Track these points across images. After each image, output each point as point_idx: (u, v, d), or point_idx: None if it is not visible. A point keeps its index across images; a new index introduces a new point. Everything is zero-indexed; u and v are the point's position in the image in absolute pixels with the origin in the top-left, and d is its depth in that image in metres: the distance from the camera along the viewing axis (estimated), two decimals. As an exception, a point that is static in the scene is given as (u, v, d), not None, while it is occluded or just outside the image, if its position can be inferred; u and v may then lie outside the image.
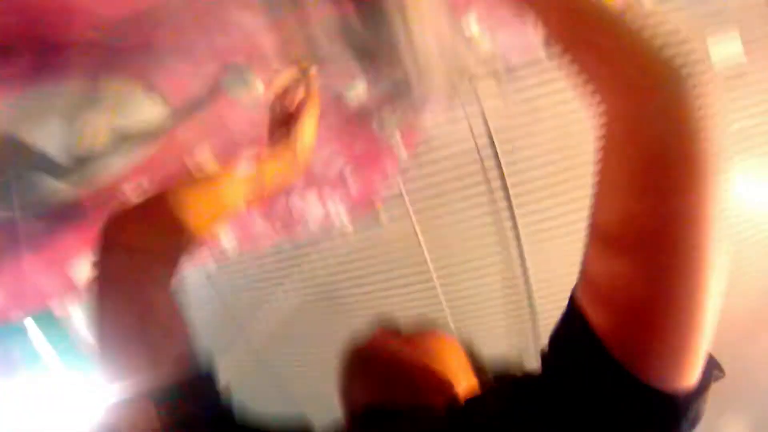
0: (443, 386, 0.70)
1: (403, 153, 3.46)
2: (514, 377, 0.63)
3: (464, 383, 0.74)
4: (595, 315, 0.50)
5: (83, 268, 1.49)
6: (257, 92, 0.94)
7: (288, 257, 3.97)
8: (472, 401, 0.63)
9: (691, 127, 0.46)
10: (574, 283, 0.58)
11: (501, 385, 0.65)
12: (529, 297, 4.22)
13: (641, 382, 0.45)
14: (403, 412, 0.64)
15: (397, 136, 3.08)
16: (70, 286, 1.48)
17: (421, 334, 0.78)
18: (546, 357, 0.58)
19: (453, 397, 0.69)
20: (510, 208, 3.84)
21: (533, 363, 0.62)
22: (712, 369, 0.50)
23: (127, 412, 0.60)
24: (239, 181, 0.79)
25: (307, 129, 0.92)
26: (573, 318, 0.53)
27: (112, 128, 1.05)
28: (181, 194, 0.74)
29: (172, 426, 0.61)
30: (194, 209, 0.73)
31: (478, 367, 0.82)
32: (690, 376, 0.47)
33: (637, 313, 0.47)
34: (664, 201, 0.46)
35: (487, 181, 3.79)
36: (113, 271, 0.67)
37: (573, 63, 0.59)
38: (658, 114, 0.48)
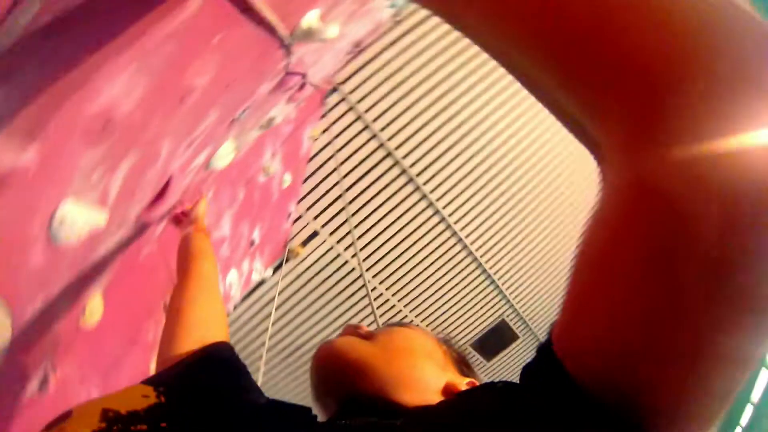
0: (410, 381, 0.66)
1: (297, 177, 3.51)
2: (492, 385, 0.54)
3: (440, 375, 0.70)
4: (579, 370, 0.40)
5: None
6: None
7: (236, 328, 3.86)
8: (444, 403, 0.58)
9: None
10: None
11: (477, 391, 0.59)
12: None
13: None
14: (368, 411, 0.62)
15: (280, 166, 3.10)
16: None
17: (389, 330, 0.74)
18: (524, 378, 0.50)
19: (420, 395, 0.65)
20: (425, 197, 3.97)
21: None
22: None
23: None
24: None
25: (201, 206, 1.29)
26: (548, 360, 0.44)
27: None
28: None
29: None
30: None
31: (458, 359, 0.77)
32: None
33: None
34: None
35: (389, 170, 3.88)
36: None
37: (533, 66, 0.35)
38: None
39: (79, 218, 0.70)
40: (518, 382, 0.51)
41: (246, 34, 0.93)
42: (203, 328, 0.77)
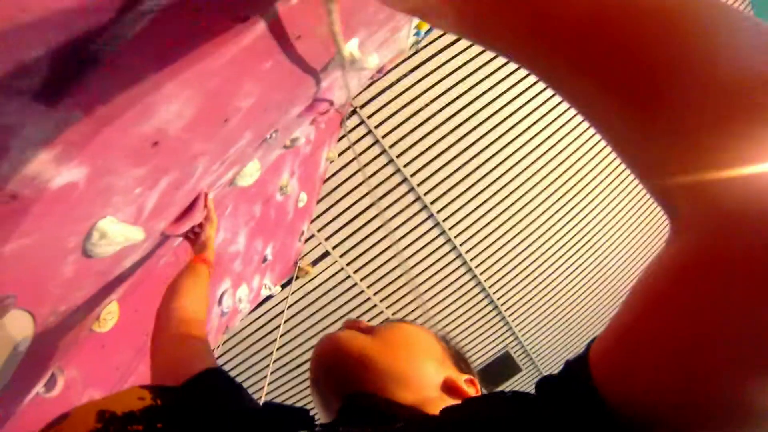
0: (409, 376, 0.66)
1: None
2: (499, 394, 0.54)
3: (439, 370, 0.69)
4: (605, 379, 0.40)
5: None
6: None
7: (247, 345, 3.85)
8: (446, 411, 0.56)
9: None
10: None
11: (484, 399, 0.57)
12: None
13: None
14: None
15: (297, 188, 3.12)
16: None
17: (389, 325, 0.73)
18: (543, 392, 0.48)
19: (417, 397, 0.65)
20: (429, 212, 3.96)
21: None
22: None
23: None
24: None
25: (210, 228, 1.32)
26: (581, 375, 0.43)
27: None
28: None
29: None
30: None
31: (456, 356, 0.76)
32: None
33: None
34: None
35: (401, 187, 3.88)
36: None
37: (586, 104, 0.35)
38: None
39: (118, 235, 0.70)
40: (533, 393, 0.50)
41: (294, 59, 0.95)
42: (185, 365, 0.75)
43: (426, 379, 0.67)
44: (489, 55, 3.58)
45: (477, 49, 3.54)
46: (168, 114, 0.61)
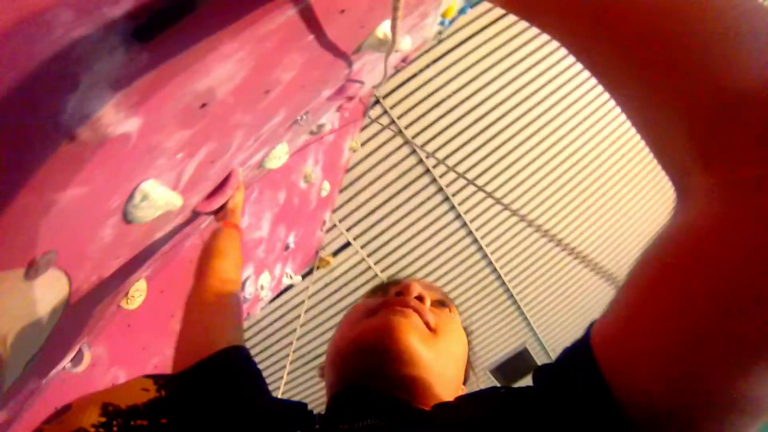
0: (449, 386, 0.64)
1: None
2: (498, 390, 0.55)
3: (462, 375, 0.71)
4: (613, 365, 0.40)
5: None
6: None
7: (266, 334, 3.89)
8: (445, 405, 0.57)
9: None
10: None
11: (483, 395, 0.56)
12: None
13: None
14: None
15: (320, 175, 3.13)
16: None
17: (449, 325, 0.69)
18: (542, 382, 0.50)
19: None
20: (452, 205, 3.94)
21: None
22: None
23: None
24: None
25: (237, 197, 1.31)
26: (583, 357, 0.43)
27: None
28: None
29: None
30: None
31: (470, 358, 0.77)
32: None
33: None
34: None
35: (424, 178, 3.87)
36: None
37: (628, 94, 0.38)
38: None
39: (159, 198, 0.70)
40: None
41: (333, 37, 0.94)
42: (216, 333, 0.74)
43: (455, 385, 0.67)
44: (513, 46, 3.53)
45: (501, 40, 3.50)
46: (221, 74, 0.60)
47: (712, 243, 0.34)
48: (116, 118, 0.46)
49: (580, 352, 0.45)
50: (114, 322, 1.39)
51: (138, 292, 1.33)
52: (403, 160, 3.67)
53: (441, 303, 0.72)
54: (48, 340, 0.82)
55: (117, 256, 0.87)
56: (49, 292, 0.64)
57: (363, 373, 0.62)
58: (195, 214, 1.31)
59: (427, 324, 0.64)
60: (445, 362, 0.64)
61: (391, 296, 0.68)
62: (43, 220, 0.48)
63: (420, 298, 0.66)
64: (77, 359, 1.23)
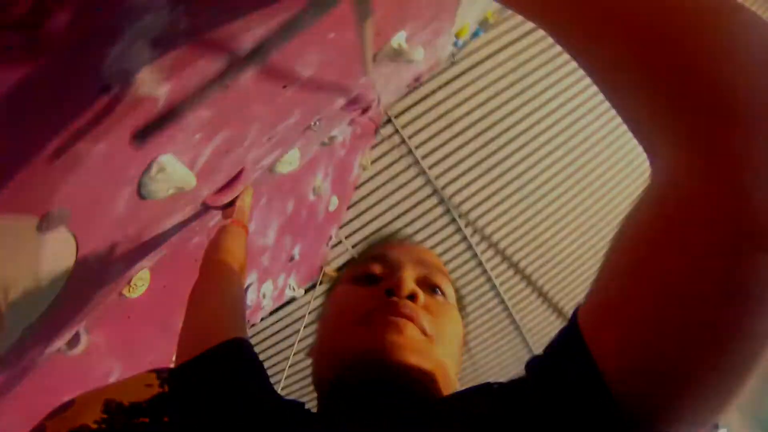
0: (446, 380, 0.63)
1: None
2: (490, 385, 0.56)
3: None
4: (603, 351, 0.41)
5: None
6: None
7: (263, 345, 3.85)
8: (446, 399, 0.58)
9: None
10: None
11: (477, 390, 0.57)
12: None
13: None
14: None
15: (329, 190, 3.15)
16: None
17: (447, 329, 0.68)
18: (536, 373, 0.51)
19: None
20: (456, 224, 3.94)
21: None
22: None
23: None
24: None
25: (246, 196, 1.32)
26: (573, 343, 0.44)
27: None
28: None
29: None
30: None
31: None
32: None
33: (666, 372, 0.38)
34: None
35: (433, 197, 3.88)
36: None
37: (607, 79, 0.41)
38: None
39: (175, 173, 0.72)
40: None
41: (351, 40, 0.97)
42: (219, 325, 0.74)
43: (454, 370, 0.66)
44: (526, 69, 3.59)
45: (514, 63, 3.56)
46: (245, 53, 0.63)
47: (677, 223, 0.36)
48: (149, 78, 0.49)
49: (568, 336, 0.45)
50: (114, 311, 1.40)
51: (141, 281, 1.34)
52: (412, 180, 3.71)
53: (433, 287, 0.70)
54: (48, 312, 0.83)
55: (125, 234, 0.88)
56: (57, 253, 0.66)
57: (360, 377, 0.62)
58: (204, 208, 1.33)
59: (423, 330, 0.63)
60: (443, 362, 0.64)
61: (381, 297, 0.64)
62: (66, 173, 0.50)
63: (413, 296, 0.64)
64: (74, 342, 1.24)
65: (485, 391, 0.55)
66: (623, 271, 0.41)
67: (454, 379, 0.66)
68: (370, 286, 0.67)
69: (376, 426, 0.53)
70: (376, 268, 0.69)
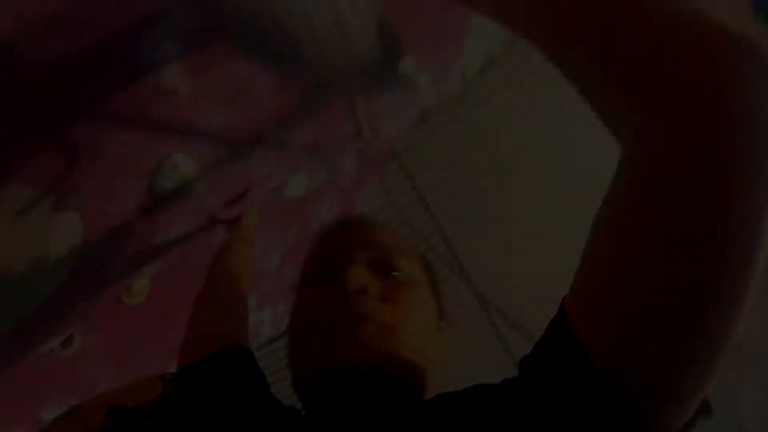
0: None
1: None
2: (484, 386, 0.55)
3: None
4: (592, 338, 0.41)
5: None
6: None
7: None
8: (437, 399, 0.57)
9: None
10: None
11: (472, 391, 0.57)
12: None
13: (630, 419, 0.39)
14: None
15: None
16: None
17: (408, 307, 0.65)
18: (528, 367, 0.51)
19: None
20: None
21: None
22: (702, 409, 0.42)
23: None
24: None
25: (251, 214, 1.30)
26: (561, 332, 0.45)
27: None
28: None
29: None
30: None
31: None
32: (685, 417, 0.41)
33: (649, 354, 0.38)
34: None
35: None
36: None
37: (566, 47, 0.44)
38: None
39: (187, 174, 0.76)
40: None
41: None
42: (222, 332, 0.76)
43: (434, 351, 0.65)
44: (536, 107, 3.65)
45: (523, 102, 3.63)
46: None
47: (648, 182, 0.38)
48: (174, 72, 0.52)
49: (557, 329, 0.46)
50: (111, 318, 1.41)
51: (141, 287, 1.35)
52: (415, 216, 3.72)
53: (389, 268, 0.66)
54: (46, 303, 0.84)
55: (131, 230, 0.91)
56: (64, 234, 0.67)
57: (336, 387, 0.60)
58: (209, 223, 1.36)
59: (380, 323, 0.61)
60: (414, 345, 0.62)
61: (330, 300, 0.62)
62: (90, 156, 0.53)
63: (363, 290, 0.62)
64: (68, 343, 1.24)
65: (482, 390, 0.55)
66: (605, 255, 0.42)
67: (437, 355, 0.65)
68: (320, 286, 0.65)
69: (376, 426, 0.54)
70: (326, 262, 0.67)
